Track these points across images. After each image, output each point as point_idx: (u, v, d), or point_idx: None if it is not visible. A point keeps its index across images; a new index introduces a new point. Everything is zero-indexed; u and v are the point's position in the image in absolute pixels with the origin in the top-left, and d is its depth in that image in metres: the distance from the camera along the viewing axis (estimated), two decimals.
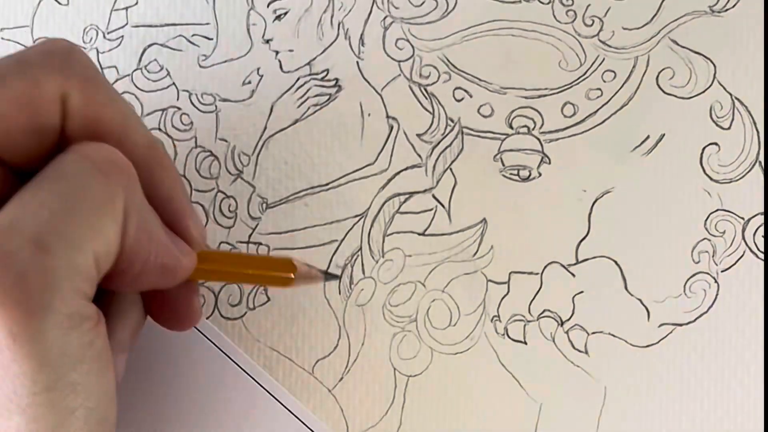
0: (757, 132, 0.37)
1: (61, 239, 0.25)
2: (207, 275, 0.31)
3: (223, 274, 0.32)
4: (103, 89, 0.28)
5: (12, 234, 0.24)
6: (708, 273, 0.37)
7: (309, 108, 0.38)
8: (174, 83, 0.39)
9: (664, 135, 0.37)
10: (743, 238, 0.37)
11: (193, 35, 0.39)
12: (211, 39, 0.39)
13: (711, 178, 0.37)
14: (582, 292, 0.37)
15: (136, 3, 0.40)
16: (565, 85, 0.38)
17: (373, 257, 0.37)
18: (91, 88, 0.28)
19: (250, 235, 0.38)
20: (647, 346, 0.36)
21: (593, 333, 0.37)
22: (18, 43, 0.40)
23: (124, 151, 0.27)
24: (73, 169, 0.26)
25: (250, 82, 0.39)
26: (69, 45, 0.28)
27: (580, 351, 0.36)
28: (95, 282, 0.26)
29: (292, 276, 0.32)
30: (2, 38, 0.40)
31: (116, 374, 0.28)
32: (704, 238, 0.37)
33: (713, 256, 0.37)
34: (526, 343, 0.37)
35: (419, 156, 0.38)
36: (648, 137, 0.37)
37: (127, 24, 0.40)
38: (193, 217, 0.30)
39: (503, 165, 0.38)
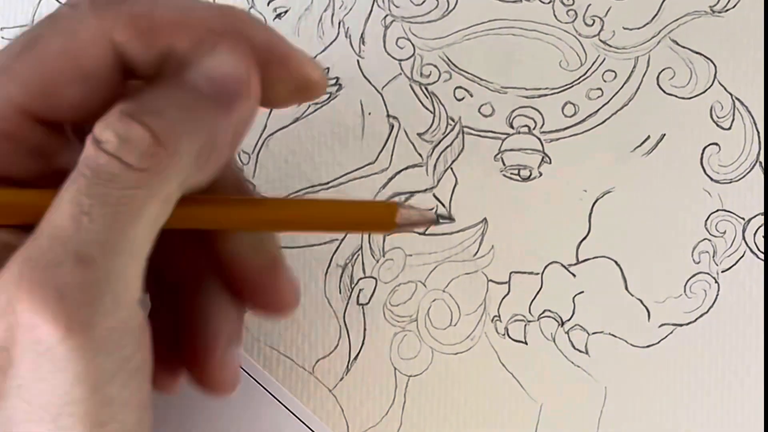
0: (758, 132, 0.37)
1: (103, 248, 0.24)
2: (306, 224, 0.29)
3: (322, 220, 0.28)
4: (163, 9, 0.25)
5: (52, 245, 0.23)
6: (708, 273, 0.37)
7: (309, 107, 0.38)
8: None
9: (664, 135, 0.37)
10: (744, 238, 0.37)
11: None
12: None
13: (711, 179, 0.37)
14: (582, 292, 0.37)
15: None
16: (566, 85, 0.38)
17: (373, 257, 0.37)
18: (144, 20, 0.25)
19: None
20: (648, 346, 0.36)
21: (594, 333, 0.37)
22: None
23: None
24: (110, 167, 0.24)
25: None
26: None
27: (580, 351, 0.36)
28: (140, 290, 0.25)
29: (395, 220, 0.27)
30: (2, 38, 0.40)
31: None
32: (705, 239, 0.37)
33: (714, 257, 0.37)
34: (526, 343, 0.37)
35: (420, 155, 0.38)
36: (648, 137, 0.37)
37: None
38: (300, 56, 0.27)
39: (504, 164, 0.38)
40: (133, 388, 0.25)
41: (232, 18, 0.26)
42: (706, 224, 0.37)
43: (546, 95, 0.38)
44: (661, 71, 0.38)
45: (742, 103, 0.37)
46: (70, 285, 0.23)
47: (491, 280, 0.37)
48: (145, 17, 0.25)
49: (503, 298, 0.37)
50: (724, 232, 0.37)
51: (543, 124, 0.38)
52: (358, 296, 0.37)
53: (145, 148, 0.24)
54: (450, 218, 0.36)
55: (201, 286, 0.29)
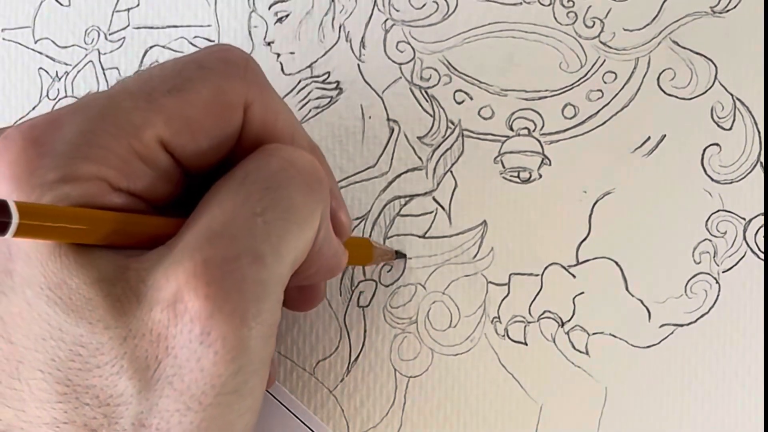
0: (759, 133, 0.37)
1: (274, 251, 0.26)
2: None
3: None
4: (277, 98, 0.29)
5: (229, 241, 0.25)
6: (709, 273, 0.36)
7: (310, 110, 0.38)
8: None
9: (665, 136, 0.37)
10: (744, 238, 0.37)
11: (194, 37, 0.39)
12: (213, 41, 0.39)
13: (712, 179, 0.37)
14: (583, 293, 0.37)
15: (138, 4, 0.40)
16: (566, 87, 0.38)
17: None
18: (268, 97, 0.29)
19: None
20: (648, 346, 0.36)
21: (594, 334, 0.37)
22: (19, 43, 0.40)
23: None
24: (281, 178, 0.27)
25: None
26: (245, 54, 0.29)
27: (580, 352, 0.37)
28: None
29: (372, 254, 0.34)
30: (3, 39, 0.40)
31: None
32: (705, 239, 0.37)
33: (714, 257, 0.37)
34: (526, 344, 0.37)
35: (420, 159, 0.38)
36: (649, 138, 0.37)
37: (128, 25, 0.40)
38: (345, 211, 0.32)
39: (504, 167, 0.38)
40: (265, 379, 0.27)
41: (318, 156, 0.31)
42: (706, 224, 0.37)
43: (546, 97, 0.38)
44: (662, 72, 0.38)
45: (742, 103, 0.37)
46: (248, 280, 0.25)
47: (491, 282, 0.37)
48: (275, 113, 0.29)
49: (503, 299, 0.37)
50: (725, 233, 0.37)
51: (543, 126, 0.38)
52: (358, 298, 0.37)
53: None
54: (404, 255, 0.37)
55: None
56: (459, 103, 0.38)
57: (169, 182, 0.28)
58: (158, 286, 0.25)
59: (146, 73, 0.28)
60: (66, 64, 0.40)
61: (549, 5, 0.38)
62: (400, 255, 0.37)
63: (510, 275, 0.37)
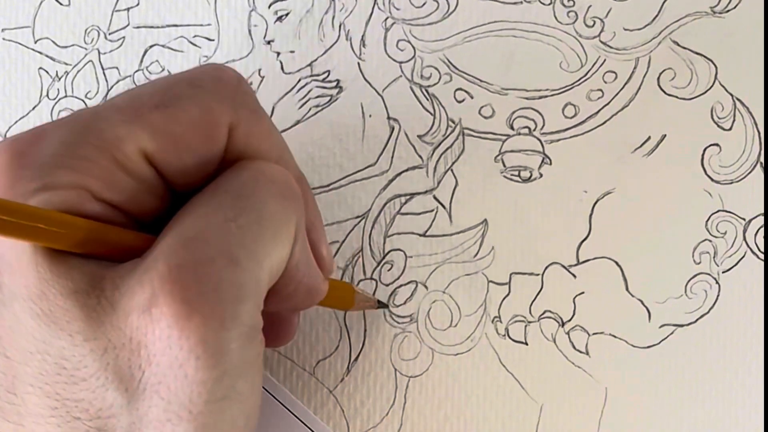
0: (759, 133, 0.37)
1: (249, 254, 0.25)
2: None
3: None
4: (266, 122, 0.29)
5: (204, 245, 0.25)
6: (709, 274, 0.37)
7: (310, 109, 0.38)
8: None
9: (665, 136, 0.37)
10: (744, 239, 0.37)
11: (194, 36, 0.39)
12: (213, 40, 0.39)
13: (712, 179, 0.37)
14: (583, 292, 0.37)
15: (138, 4, 0.40)
16: (566, 86, 0.38)
17: (374, 258, 0.37)
18: (255, 120, 0.29)
19: None
20: (648, 346, 0.36)
21: (594, 334, 0.37)
22: (19, 43, 0.40)
23: None
24: (255, 187, 0.27)
25: (251, 83, 0.39)
26: (238, 75, 0.29)
27: (581, 352, 0.36)
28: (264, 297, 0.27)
29: (353, 301, 0.35)
30: (3, 38, 0.40)
31: None
32: (705, 239, 0.37)
33: (714, 257, 0.37)
34: (527, 343, 0.37)
35: (420, 157, 0.38)
36: (649, 138, 0.37)
37: (128, 25, 0.40)
38: (327, 246, 0.32)
39: (504, 166, 0.38)
40: (256, 384, 0.27)
41: (303, 186, 0.31)
42: (706, 225, 0.37)
43: (546, 96, 0.38)
44: (662, 72, 0.38)
45: (742, 103, 0.37)
46: (225, 281, 0.24)
47: (491, 281, 0.37)
48: (260, 136, 0.29)
49: (503, 299, 0.37)
50: (725, 233, 0.37)
51: (543, 126, 0.38)
52: None
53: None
54: (386, 305, 0.37)
55: None
56: (459, 102, 0.38)
57: (153, 196, 0.27)
58: (132, 292, 0.24)
59: (136, 89, 0.28)
60: (66, 64, 0.40)
61: (549, 4, 0.38)
62: (382, 305, 0.37)
63: (511, 274, 0.37)
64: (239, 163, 0.28)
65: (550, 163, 0.37)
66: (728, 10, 0.38)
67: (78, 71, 0.40)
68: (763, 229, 0.37)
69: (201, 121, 0.27)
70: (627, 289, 0.37)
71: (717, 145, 0.37)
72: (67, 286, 0.25)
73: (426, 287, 0.37)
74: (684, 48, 0.38)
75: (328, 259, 0.32)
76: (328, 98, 0.38)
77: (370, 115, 0.38)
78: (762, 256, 0.36)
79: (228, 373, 0.25)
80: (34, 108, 0.40)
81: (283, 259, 0.27)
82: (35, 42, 0.40)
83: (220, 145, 0.28)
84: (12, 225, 0.23)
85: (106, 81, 0.39)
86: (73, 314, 0.25)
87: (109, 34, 0.40)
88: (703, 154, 0.37)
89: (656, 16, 0.38)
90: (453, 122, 0.38)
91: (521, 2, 0.38)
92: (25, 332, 0.25)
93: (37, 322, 0.25)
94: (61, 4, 0.40)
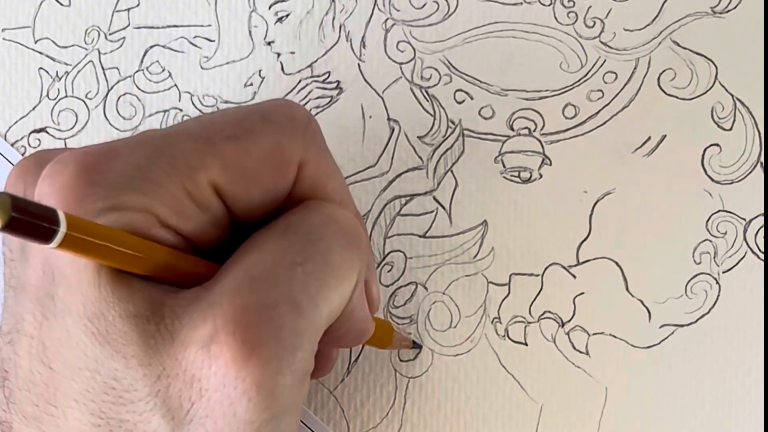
0: (759, 133, 0.37)
1: (311, 301, 0.26)
2: None
3: None
4: (332, 162, 0.30)
5: (269, 288, 0.25)
6: (709, 274, 0.37)
7: (310, 110, 0.38)
8: (176, 85, 0.39)
9: (665, 136, 0.37)
10: (744, 239, 0.37)
11: (195, 37, 0.39)
12: (213, 41, 0.39)
13: (712, 179, 0.37)
14: (583, 293, 0.37)
15: (138, 4, 0.40)
16: (567, 87, 0.38)
17: (374, 259, 0.37)
18: (323, 160, 0.29)
19: None
20: (648, 347, 0.36)
21: (594, 334, 0.37)
22: (20, 43, 0.40)
23: None
24: (325, 233, 0.27)
25: (251, 84, 0.39)
26: (308, 113, 0.29)
27: (581, 352, 0.37)
28: None
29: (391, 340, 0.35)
30: (3, 38, 0.40)
31: None
32: (705, 239, 0.37)
33: (714, 257, 0.37)
34: (526, 344, 0.37)
35: (420, 158, 0.38)
36: (649, 138, 0.37)
37: (129, 25, 0.40)
38: (377, 286, 0.32)
39: (504, 167, 0.38)
40: (297, 422, 0.27)
41: (361, 224, 0.31)
42: (707, 225, 0.37)
43: (546, 97, 0.38)
44: (662, 72, 0.38)
45: (743, 103, 0.37)
46: (286, 328, 0.25)
47: (491, 282, 0.37)
48: (327, 175, 0.29)
49: (503, 299, 0.37)
50: (725, 233, 0.37)
51: (543, 126, 0.38)
52: None
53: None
54: (420, 346, 0.37)
55: None
56: (459, 103, 0.38)
57: (217, 227, 0.27)
58: (194, 325, 0.25)
59: (208, 117, 0.28)
60: (66, 64, 0.40)
61: (549, 5, 0.38)
62: (416, 345, 0.37)
63: (510, 275, 0.37)
64: (308, 203, 0.28)
65: (550, 164, 0.37)
66: (728, 10, 0.38)
67: (78, 71, 0.40)
68: (763, 229, 0.37)
69: (272, 157, 0.27)
70: (627, 289, 0.37)
71: (717, 145, 0.37)
72: (127, 309, 0.25)
73: (426, 288, 0.37)
74: (684, 48, 0.38)
75: (377, 297, 0.32)
76: (329, 99, 0.38)
77: (370, 116, 0.38)
78: (762, 256, 0.36)
79: (275, 417, 0.25)
80: (34, 108, 0.40)
81: (342, 305, 0.27)
82: (35, 42, 0.40)
83: (289, 182, 0.28)
84: (80, 242, 0.23)
85: (107, 81, 0.39)
86: (131, 338, 0.25)
87: (110, 34, 0.40)
88: (703, 155, 0.37)
89: (656, 16, 0.38)
90: (453, 123, 0.38)
91: (521, 3, 0.38)
92: (75, 347, 0.25)
93: (91, 340, 0.25)
94: (61, 4, 0.40)
